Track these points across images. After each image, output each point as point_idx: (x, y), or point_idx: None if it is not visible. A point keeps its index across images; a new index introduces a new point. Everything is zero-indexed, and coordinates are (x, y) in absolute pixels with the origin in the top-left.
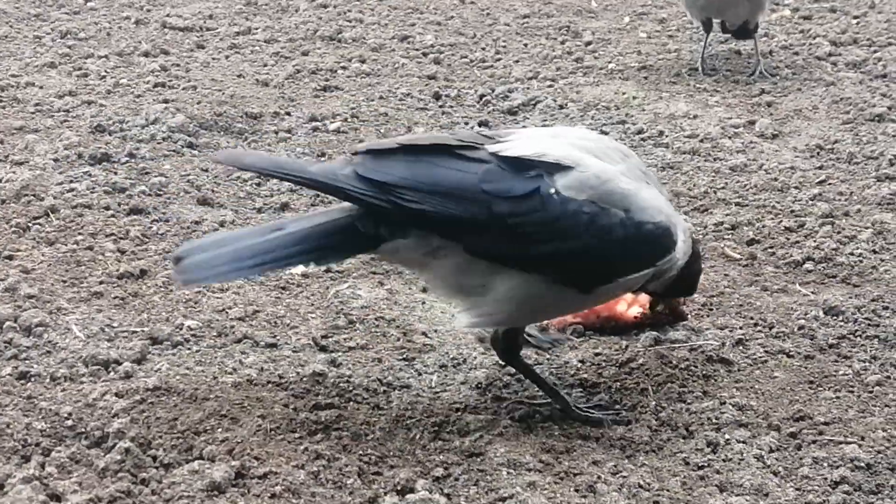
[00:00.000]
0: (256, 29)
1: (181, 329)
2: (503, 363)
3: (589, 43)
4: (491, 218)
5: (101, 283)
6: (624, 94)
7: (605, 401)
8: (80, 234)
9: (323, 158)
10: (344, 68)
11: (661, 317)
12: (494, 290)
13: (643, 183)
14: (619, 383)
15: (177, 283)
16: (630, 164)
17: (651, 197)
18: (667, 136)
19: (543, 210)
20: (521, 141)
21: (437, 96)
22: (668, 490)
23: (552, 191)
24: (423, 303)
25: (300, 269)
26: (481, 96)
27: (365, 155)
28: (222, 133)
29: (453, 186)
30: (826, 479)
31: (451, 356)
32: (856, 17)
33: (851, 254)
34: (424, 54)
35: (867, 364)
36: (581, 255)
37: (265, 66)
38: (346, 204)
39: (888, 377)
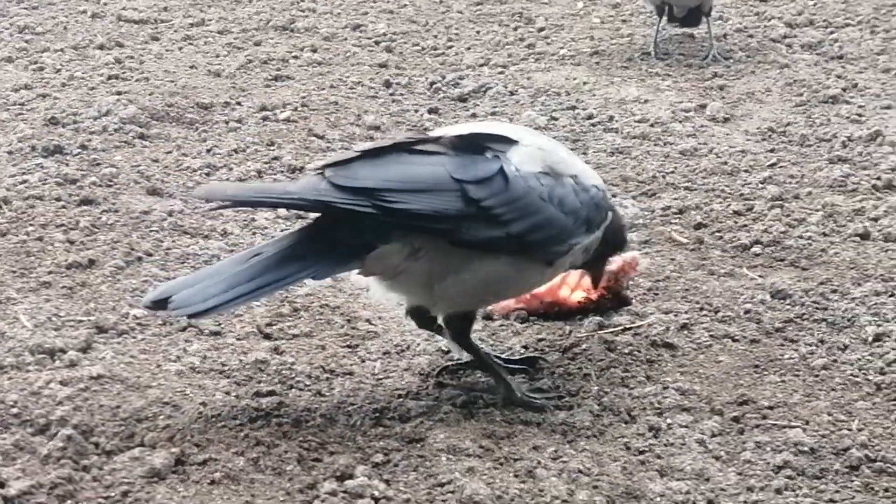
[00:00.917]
0: (210, 20)
1: (127, 318)
2: (451, 348)
3: (542, 29)
4: (468, 205)
5: (49, 273)
6: (575, 79)
7: (547, 385)
8: (30, 224)
9: (272, 146)
10: (296, 58)
11: (606, 302)
12: (466, 278)
13: (566, 149)
14: (562, 368)
15: (180, 318)
16: (542, 135)
17: (581, 162)
18: (617, 121)
19: (510, 188)
20: (458, 128)
21: (387, 84)
22: (608, 475)
23: (513, 167)
24: (368, 290)
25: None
26: (432, 83)
27: (333, 167)
28: (173, 124)
29: (428, 180)
30: (768, 463)
31: (395, 343)
32: None
33: (800, 237)
34: (376, 42)
35: (814, 348)
36: (545, 226)
37: (217, 56)
38: (319, 221)
39: (834, 361)
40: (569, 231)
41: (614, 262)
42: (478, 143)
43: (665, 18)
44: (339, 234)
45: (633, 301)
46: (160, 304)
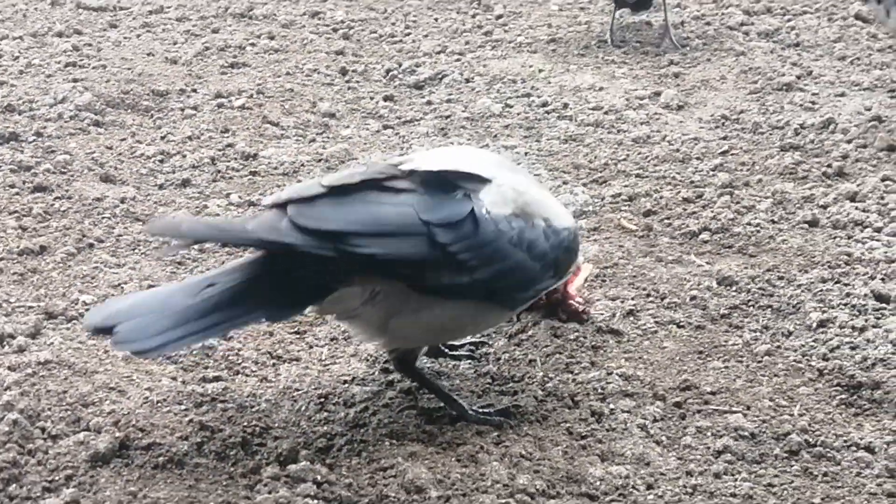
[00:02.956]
0: (169, 7)
1: (76, 304)
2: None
3: (500, 16)
4: (434, 249)
5: (0, 259)
6: (531, 66)
7: (503, 404)
8: None
9: (227, 133)
10: (252, 45)
11: (550, 308)
12: (422, 321)
13: (538, 184)
14: (507, 355)
15: (124, 352)
16: (517, 170)
17: (554, 202)
18: (571, 109)
19: (480, 232)
20: (429, 160)
21: (343, 72)
22: (549, 459)
23: (484, 211)
24: None
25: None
26: (388, 71)
27: (296, 204)
28: (129, 111)
29: (395, 223)
30: (709, 448)
31: (342, 329)
32: None
33: (749, 224)
34: (334, 30)
35: (758, 334)
36: (513, 273)
37: (175, 44)
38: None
39: (778, 347)
40: (536, 277)
41: None
42: (449, 181)
43: (616, 4)
44: (297, 272)
45: (585, 313)
46: (104, 331)
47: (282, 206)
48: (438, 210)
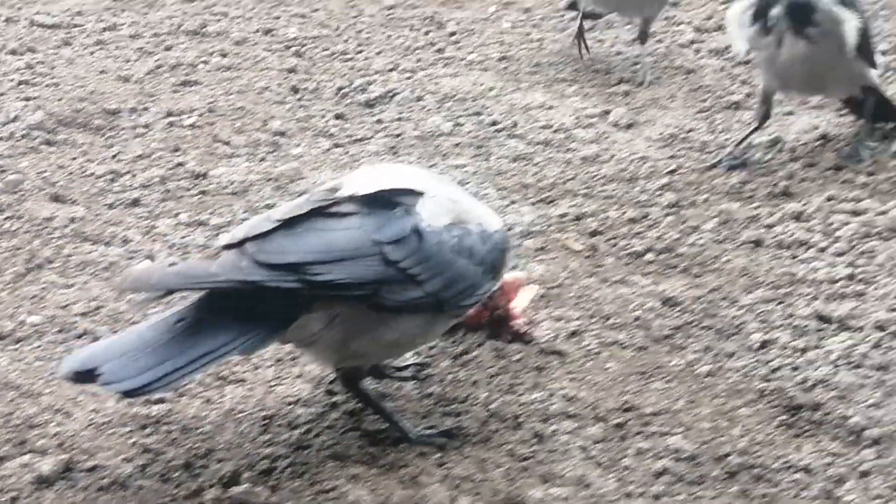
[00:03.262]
0: (123, 25)
1: (23, 325)
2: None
3: (453, 33)
4: (388, 267)
5: None
6: (482, 85)
7: (446, 426)
8: None
9: (177, 152)
10: (205, 63)
11: (486, 323)
12: (379, 339)
13: (466, 192)
14: (451, 376)
15: (114, 393)
16: (447, 181)
17: (483, 207)
18: (521, 127)
19: (425, 245)
20: (362, 182)
21: (294, 90)
22: (490, 481)
23: (425, 224)
24: None
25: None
26: (339, 89)
27: (254, 241)
28: (80, 129)
29: (349, 247)
30: (648, 469)
31: (288, 350)
32: (723, 3)
33: (694, 244)
34: (287, 47)
35: (700, 355)
36: (458, 280)
37: (128, 61)
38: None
39: (720, 367)
40: (479, 282)
41: None
42: (388, 199)
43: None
44: (259, 304)
45: (529, 334)
46: (85, 375)
47: (238, 245)
48: (386, 229)
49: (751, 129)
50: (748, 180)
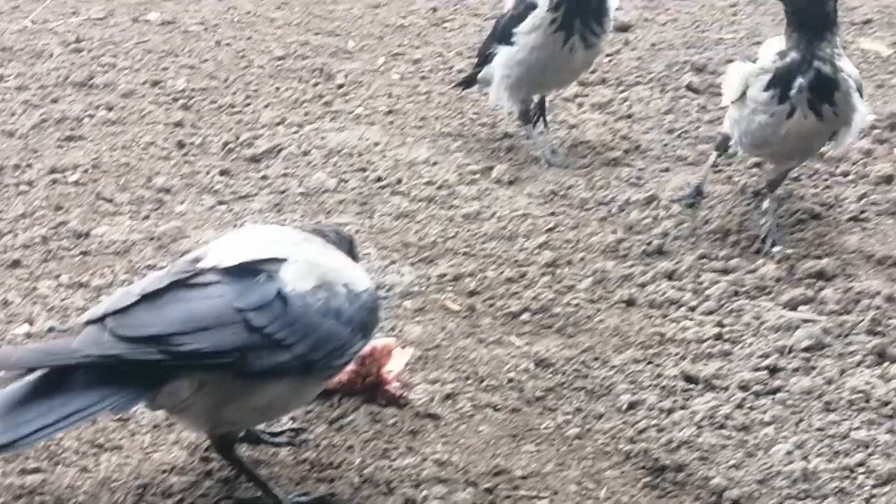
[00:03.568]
0: (9, 76)
1: None
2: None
3: (341, 85)
4: (252, 334)
5: None
6: (368, 139)
7: (320, 492)
8: None
9: (60, 211)
10: (91, 116)
11: (358, 387)
12: (250, 405)
13: (333, 251)
14: (326, 441)
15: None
16: (313, 241)
17: (351, 266)
18: (405, 184)
19: (290, 310)
20: (225, 250)
21: (180, 144)
22: None
23: (289, 288)
24: None
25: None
26: (225, 144)
27: (114, 316)
28: None
29: (211, 316)
30: None
31: (164, 416)
32: (609, 56)
33: (569, 304)
34: (175, 99)
35: (570, 416)
36: (327, 342)
37: (13, 115)
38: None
39: (589, 429)
40: (348, 342)
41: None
42: (251, 266)
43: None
44: (129, 369)
45: (403, 397)
46: None
47: (99, 320)
48: (248, 296)
49: (709, 161)
50: (624, 238)
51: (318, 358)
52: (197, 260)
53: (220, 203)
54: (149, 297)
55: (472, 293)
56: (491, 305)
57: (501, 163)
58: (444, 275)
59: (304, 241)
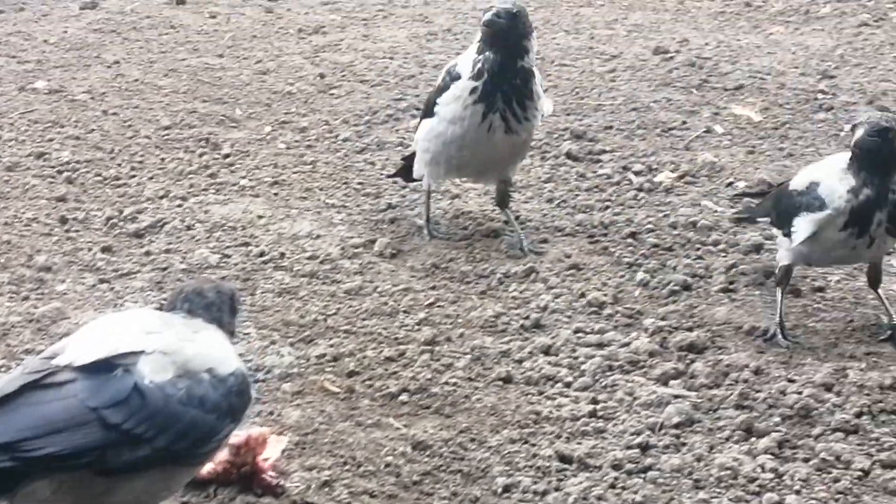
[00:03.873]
0: None
1: None
2: None
3: (227, 155)
4: (108, 431)
5: None
6: (252, 212)
7: None
8: None
9: None
10: None
11: (233, 477)
12: (110, 501)
13: (201, 332)
14: None
15: None
16: (174, 324)
17: (218, 349)
18: (288, 258)
19: (148, 403)
20: (82, 345)
21: (63, 220)
22: None
23: (146, 380)
24: None
25: None
26: (108, 219)
27: None
28: None
29: (64, 418)
30: None
31: None
32: None
33: (447, 383)
34: (59, 172)
35: (446, 501)
36: (190, 431)
37: None
38: None
39: None
40: (214, 428)
41: (238, 436)
42: (107, 361)
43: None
44: None
45: (279, 486)
46: None
47: None
48: (103, 392)
49: (779, 296)
50: (502, 312)
51: (183, 448)
52: (52, 357)
53: (102, 281)
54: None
55: (351, 374)
56: (370, 386)
57: (384, 235)
58: (324, 355)
59: (166, 327)
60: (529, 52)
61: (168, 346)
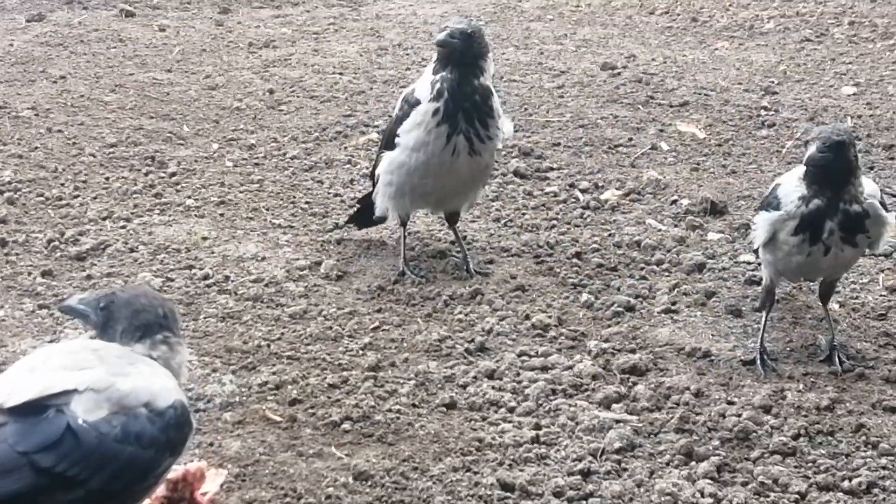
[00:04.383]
0: None
1: None
2: None
3: (173, 174)
4: (40, 476)
5: None
6: (196, 234)
7: None
8: None
9: None
10: None
11: None
12: None
13: (138, 364)
14: None
15: None
16: (108, 357)
17: (155, 381)
18: (232, 282)
19: (82, 444)
20: (12, 384)
21: (3, 243)
22: None
23: (80, 421)
24: None
25: None
26: (49, 241)
27: None
28: None
29: None
30: None
31: None
32: None
33: (390, 410)
34: (0, 192)
35: None
36: (127, 469)
37: None
38: None
39: None
40: (153, 463)
41: (176, 471)
42: (38, 403)
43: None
44: None
45: None
46: None
47: None
48: (33, 436)
49: (763, 319)
50: (447, 336)
51: (119, 487)
52: None
53: (41, 307)
54: None
55: (293, 402)
56: (312, 415)
57: (330, 257)
58: (266, 383)
59: (100, 361)
60: (486, 71)
61: (102, 383)
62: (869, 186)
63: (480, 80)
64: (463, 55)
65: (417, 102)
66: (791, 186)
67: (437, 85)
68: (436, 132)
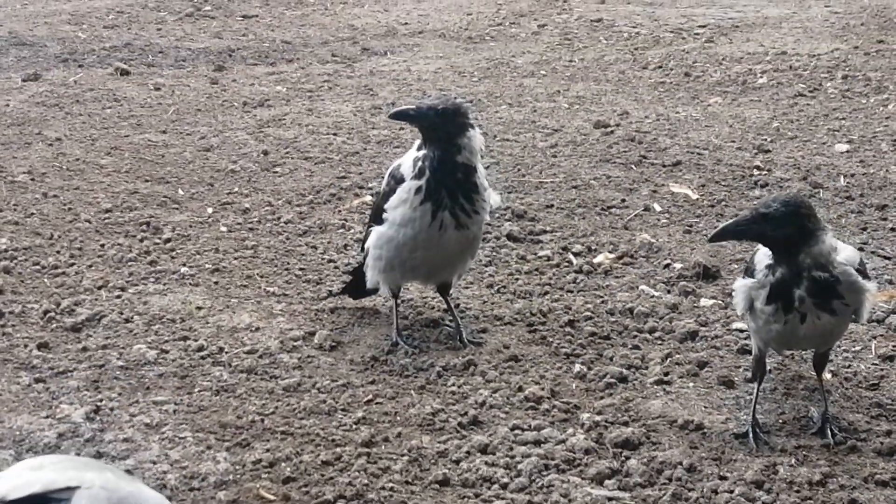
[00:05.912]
0: None
1: None
2: None
3: (168, 240)
4: None
5: None
6: (190, 303)
7: None
8: None
9: None
10: None
11: None
12: None
13: (129, 480)
14: None
15: None
16: (103, 468)
17: (145, 490)
18: (226, 353)
19: None
20: (12, 480)
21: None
22: None
23: None
24: None
25: None
26: (45, 312)
27: None
28: None
29: None
30: None
31: None
32: None
33: (383, 488)
34: None
35: None
36: None
37: None
38: None
39: None
40: None
41: None
42: (41, 497)
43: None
44: None
45: None
46: None
47: None
48: None
49: (755, 391)
50: (440, 409)
51: None
52: None
53: (37, 381)
54: None
55: (287, 480)
56: (306, 493)
57: (324, 327)
58: (260, 460)
59: (97, 468)
60: (463, 149)
61: (102, 483)
62: (844, 253)
63: (461, 157)
64: (437, 132)
65: (402, 179)
66: (763, 254)
67: (419, 163)
68: (421, 210)
